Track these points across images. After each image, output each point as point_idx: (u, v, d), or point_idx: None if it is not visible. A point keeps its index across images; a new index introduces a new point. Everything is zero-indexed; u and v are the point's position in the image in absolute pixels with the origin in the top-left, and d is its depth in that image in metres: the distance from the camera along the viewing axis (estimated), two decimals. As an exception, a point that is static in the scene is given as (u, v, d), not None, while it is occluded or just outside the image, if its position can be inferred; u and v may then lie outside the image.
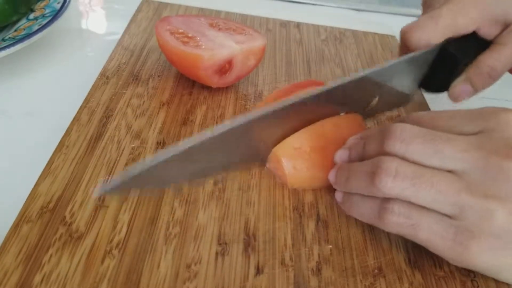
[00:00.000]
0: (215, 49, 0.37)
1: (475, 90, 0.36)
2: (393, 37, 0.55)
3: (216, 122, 0.37)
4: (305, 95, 0.30)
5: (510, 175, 0.24)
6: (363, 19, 0.60)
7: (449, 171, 0.25)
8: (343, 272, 0.28)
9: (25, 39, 0.39)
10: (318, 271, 0.28)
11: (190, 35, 0.39)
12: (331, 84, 0.31)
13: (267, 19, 0.54)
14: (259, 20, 0.53)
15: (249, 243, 0.28)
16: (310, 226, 0.30)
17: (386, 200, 0.27)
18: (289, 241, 0.29)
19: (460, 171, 0.25)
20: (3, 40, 0.40)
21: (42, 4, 0.45)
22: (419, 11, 0.62)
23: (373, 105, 0.37)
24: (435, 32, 0.36)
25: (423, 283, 0.28)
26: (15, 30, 0.42)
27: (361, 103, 0.36)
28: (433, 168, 0.26)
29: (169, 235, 0.28)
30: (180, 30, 0.39)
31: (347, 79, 0.31)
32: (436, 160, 0.25)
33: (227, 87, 0.41)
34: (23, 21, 0.44)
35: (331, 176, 0.31)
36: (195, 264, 0.27)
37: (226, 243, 0.28)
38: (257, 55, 0.40)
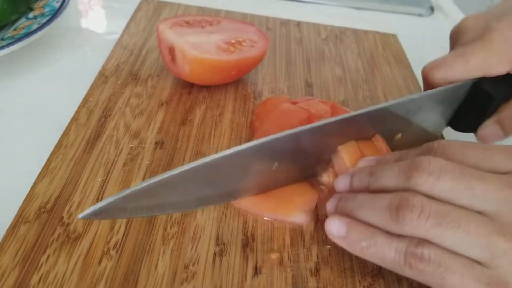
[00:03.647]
0: (174, 32, 0.38)
1: (506, 134, 0.33)
2: (394, 35, 0.55)
3: (215, 122, 0.37)
4: (315, 125, 0.28)
5: None
6: (363, 17, 0.60)
7: (479, 212, 0.23)
8: (341, 272, 0.28)
9: (24, 38, 0.38)
10: (316, 271, 0.28)
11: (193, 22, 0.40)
12: (340, 116, 0.29)
13: (267, 18, 0.54)
14: (259, 19, 0.53)
15: (247, 244, 0.28)
16: (309, 227, 0.30)
17: (413, 242, 0.23)
18: (287, 242, 0.29)
19: (492, 213, 0.23)
20: (2, 39, 0.40)
21: (41, 3, 0.45)
22: (419, 10, 0.62)
23: (397, 139, 0.34)
24: (464, 71, 0.33)
25: (422, 284, 0.28)
26: (14, 29, 0.42)
27: (383, 135, 0.33)
28: (462, 207, 0.23)
29: (167, 235, 0.28)
30: (187, 19, 0.40)
31: (363, 111, 0.29)
32: (465, 198, 0.23)
33: (226, 87, 0.41)
34: (22, 20, 0.43)
35: (330, 206, 0.28)
36: (193, 265, 0.27)
37: (224, 244, 0.28)
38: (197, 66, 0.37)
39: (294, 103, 0.36)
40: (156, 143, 0.34)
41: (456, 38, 0.36)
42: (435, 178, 0.23)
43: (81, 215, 0.23)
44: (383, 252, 0.24)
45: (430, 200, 0.23)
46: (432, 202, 0.23)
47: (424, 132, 0.36)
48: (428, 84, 0.34)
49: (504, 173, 0.24)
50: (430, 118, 0.35)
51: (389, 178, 0.26)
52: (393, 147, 0.33)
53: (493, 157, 0.24)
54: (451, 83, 0.33)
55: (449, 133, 0.39)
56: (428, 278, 0.23)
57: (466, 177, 0.23)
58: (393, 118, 0.32)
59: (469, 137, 0.36)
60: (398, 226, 0.23)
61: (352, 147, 0.31)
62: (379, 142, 0.32)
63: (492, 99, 0.33)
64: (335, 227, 0.26)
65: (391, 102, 0.31)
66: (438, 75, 0.33)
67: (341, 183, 0.29)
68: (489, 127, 0.34)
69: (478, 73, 0.33)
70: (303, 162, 0.31)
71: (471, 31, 0.35)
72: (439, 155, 0.25)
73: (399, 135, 0.34)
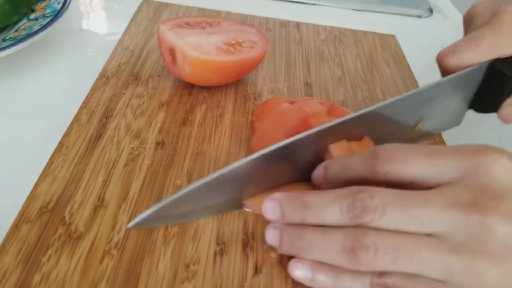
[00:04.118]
0: (175, 33, 0.38)
1: None
2: (392, 36, 0.55)
3: (216, 122, 0.37)
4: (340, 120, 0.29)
5: (494, 231, 0.22)
6: (362, 19, 0.60)
7: (430, 234, 0.23)
8: (341, 272, 0.28)
9: (25, 39, 0.39)
10: (316, 271, 0.28)
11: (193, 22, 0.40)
12: (363, 111, 0.30)
13: (267, 19, 0.54)
14: (259, 20, 0.53)
15: (247, 243, 0.29)
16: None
17: (376, 274, 0.24)
18: (287, 241, 0.29)
19: (441, 233, 0.23)
20: (4, 40, 0.40)
21: (42, 4, 0.45)
22: (418, 11, 0.63)
23: (418, 128, 0.35)
24: (476, 55, 0.33)
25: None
26: (16, 30, 0.42)
27: (404, 127, 0.34)
28: (412, 233, 0.24)
29: (167, 235, 0.28)
30: (188, 20, 0.41)
31: (381, 104, 0.30)
32: (413, 226, 0.23)
33: (226, 87, 0.41)
34: (24, 21, 0.44)
35: (273, 239, 0.27)
36: (194, 264, 0.27)
37: (224, 243, 0.28)
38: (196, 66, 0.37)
39: (293, 103, 0.37)
40: (157, 143, 0.34)
41: (468, 25, 0.37)
42: (380, 214, 0.24)
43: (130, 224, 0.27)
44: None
45: (381, 234, 0.24)
46: (383, 237, 0.23)
47: (446, 117, 0.37)
48: (444, 71, 0.35)
49: (449, 181, 0.24)
50: (450, 102, 0.36)
51: (331, 215, 0.25)
52: (413, 137, 0.34)
53: (438, 164, 0.25)
54: (466, 68, 0.34)
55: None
56: None
57: (409, 207, 0.23)
58: (412, 108, 0.33)
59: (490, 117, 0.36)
60: (357, 266, 0.24)
61: (343, 145, 0.31)
62: (368, 143, 0.32)
63: (508, 79, 0.33)
64: (300, 273, 0.26)
65: (408, 92, 0.31)
66: (452, 61, 0.34)
67: (271, 211, 0.27)
68: (508, 107, 0.34)
69: (489, 56, 0.34)
70: (302, 165, 0.31)
71: (481, 16, 0.36)
72: (386, 163, 0.25)
73: (421, 123, 0.35)
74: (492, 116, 0.35)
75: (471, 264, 0.22)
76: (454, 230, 0.23)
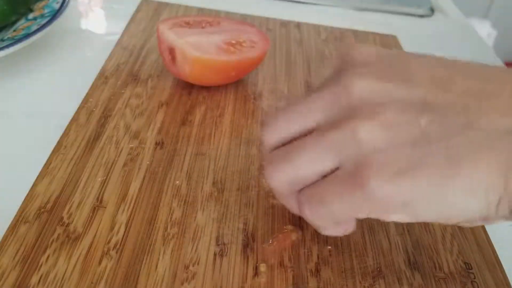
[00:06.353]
0: (174, 33, 0.38)
1: None
2: (393, 37, 0.55)
3: (215, 122, 0.37)
4: None
5: (354, 91, 0.23)
6: (363, 18, 0.60)
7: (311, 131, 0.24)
8: (342, 273, 0.28)
9: (24, 39, 0.38)
10: (317, 272, 0.28)
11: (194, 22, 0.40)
12: None
13: (267, 19, 0.54)
14: (259, 19, 0.53)
15: (247, 244, 0.28)
16: (309, 227, 0.30)
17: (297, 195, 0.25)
18: (288, 242, 0.29)
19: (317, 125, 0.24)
20: (2, 40, 0.40)
21: (41, 4, 0.45)
22: (419, 10, 0.62)
23: None
24: None
25: (422, 284, 0.28)
26: (14, 30, 0.42)
27: None
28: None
29: (167, 235, 0.28)
30: (188, 20, 0.41)
31: None
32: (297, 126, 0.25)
33: (226, 87, 0.41)
34: (22, 21, 0.43)
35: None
36: (193, 265, 0.27)
37: (224, 244, 0.28)
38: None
39: None
40: (156, 143, 0.34)
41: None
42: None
43: None
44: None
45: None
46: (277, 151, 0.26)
47: None
48: None
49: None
50: None
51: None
52: None
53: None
54: None
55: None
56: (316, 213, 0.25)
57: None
58: None
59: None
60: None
61: None
62: None
63: None
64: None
65: None
66: None
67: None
68: None
69: None
70: None
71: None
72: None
73: None
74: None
75: (343, 127, 0.23)
76: (327, 112, 0.24)
